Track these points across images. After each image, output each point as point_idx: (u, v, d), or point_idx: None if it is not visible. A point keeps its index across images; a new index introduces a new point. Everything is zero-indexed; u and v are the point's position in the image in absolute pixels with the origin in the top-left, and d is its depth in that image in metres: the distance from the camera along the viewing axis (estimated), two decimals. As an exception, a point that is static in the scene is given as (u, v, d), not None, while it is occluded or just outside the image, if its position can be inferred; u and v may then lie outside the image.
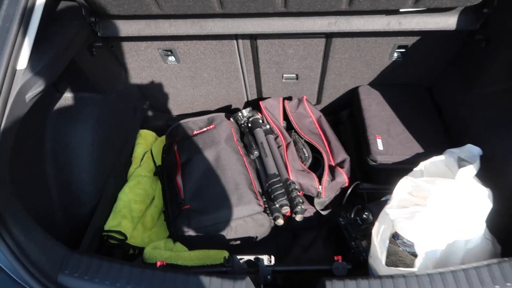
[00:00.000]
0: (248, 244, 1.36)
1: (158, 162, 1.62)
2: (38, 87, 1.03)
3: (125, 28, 1.30)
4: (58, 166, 1.30)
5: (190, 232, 1.28)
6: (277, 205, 1.26)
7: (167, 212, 1.36)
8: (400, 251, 1.20)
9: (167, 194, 1.39)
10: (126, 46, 1.48)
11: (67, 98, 1.35)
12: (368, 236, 1.28)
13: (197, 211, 1.30)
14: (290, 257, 1.33)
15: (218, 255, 1.29)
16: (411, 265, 1.16)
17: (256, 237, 1.36)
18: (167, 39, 1.43)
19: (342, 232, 1.32)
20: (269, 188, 1.29)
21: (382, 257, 1.06)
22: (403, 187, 1.16)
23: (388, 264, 1.15)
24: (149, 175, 1.59)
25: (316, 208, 1.40)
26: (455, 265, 1.13)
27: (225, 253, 1.30)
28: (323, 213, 1.40)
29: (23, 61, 0.99)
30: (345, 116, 1.79)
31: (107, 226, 1.36)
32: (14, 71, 0.98)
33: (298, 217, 1.26)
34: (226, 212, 1.29)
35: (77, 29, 1.19)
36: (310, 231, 1.40)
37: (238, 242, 1.34)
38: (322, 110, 1.82)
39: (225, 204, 1.30)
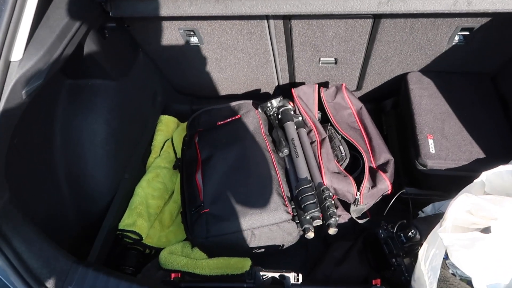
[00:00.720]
0: (274, 251, 1.23)
1: (179, 152, 1.49)
2: (37, 80, 0.90)
3: (140, 7, 1.14)
4: (68, 161, 1.19)
5: (209, 240, 1.15)
6: (308, 217, 1.10)
7: (184, 214, 1.23)
8: (450, 276, 1.02)
9: (186, 194, 1.26)
10: (144, 26, 1.32)
11: (77, 86, 1.21)
12: (412, 255, 1.11)
13: (217, 216, 1.16)
14: (319, 271, 1.18)
15: (239, 264, 1.17)
16: (463, 296, 0.99)
17: (283, 245, 1.22)
18: (189, 18, 1.26)
19: (381, 246, 1.15)
20: (299, 195, 1.13)
21: (431, 289, 0.90)
22: (461, 205, 0.97)
23: (437, 293, 0.98)
24: (169, 167, 1.47)
25: (352, 216, 1.24)
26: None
27: (248, 262, 1.17)
28: (360, 221, 1.23)
29: (18, 51, 0.86)
30: (389, 105, 1.58)
31: (121, 225, 1.26)
32: (8, 63, 0.85)
33: (332, 231, 1.10)
34: (250, 219, 1.14)
35: (84, 10, 1.04)
36: (343, 241, 1.25)
37: (262, 250, 1.21)
38: (362, 98, 1.62)
39: (248, 210, 1.16)
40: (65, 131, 1.19)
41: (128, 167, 1.38)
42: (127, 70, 1.38)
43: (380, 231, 1.16)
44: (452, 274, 1.04)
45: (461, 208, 0.97)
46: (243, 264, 1.17)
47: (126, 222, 1.26)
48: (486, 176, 1.05)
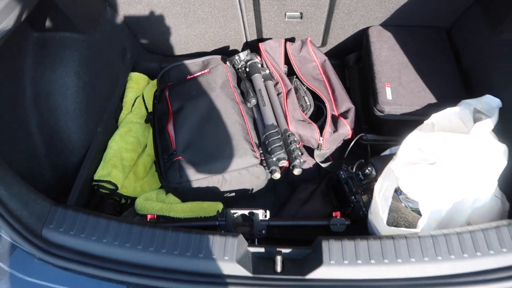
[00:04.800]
0: (244, 196, 1.31)
1: (150, 108, 1.52)
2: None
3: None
4: (41, 114, 1.21)
5: (182, 185, 1.22)
6: (274, 159, 1.18)
7: (158, 163, 1.29)
8: (402, 207, 1.14)
9: (159, 145, 1.31)
10: (110, -22, 1.32)
11: (45, 39, 1.22)
12: (369, 191, 1.21)
13: (189, 162, 1.22)
14: (286, 211, 1.28)
15: (212, 207, 1.24)
16: (413, 223, 1.10)
17: (252, 189, 1.30)
18: (155, -30, 1.28)
19: (342, 186, 1.25)
20: (266, 140, 1.21)
21: (384, 216, 1.00)
22: (412, 143, 1.07)
23: (389, 221, 1.10)
24: (141, 122, 1.51)
25: (316, 160, 1.33)
26: (460, 224, 1.08)
27: (220, 205, 1.25)
28: (323, 165, 1.33)
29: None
30: (352, 60, 1.66)
31: (96, 176, 1.30)
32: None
33: (296, 171, 1.18)
34: (220, 164, 1.21)
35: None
36: (308, 184, 1.34)
37: (233, 194, 1.29)
38: (327, 53, 1.69)
39: (219, 156, 1.22)
40: (35, 84, 1.21)
41: (101, 122, 1.40)
42: (95, 24, 1.38)
43: (341, 172, 1.25)
44: (404, 206, 1.16)
45: (412, 145, 1.07)
46: (216, 207, 1.25)
47: (101, 173, 1.31)
48: (435, 118, 1.16)
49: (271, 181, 1.32)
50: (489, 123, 1.04)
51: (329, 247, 0.89)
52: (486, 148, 1.03)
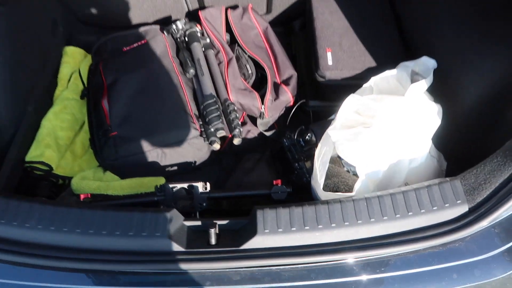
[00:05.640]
0: (187, 169, 1.27)
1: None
2: None
3: None
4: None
5: (119, 161, 1.16)
6: (212, 129, 1.15)
7: (93, 139, 1.23)
8: (343, 172, 1.13)
9: (93, 120, 1.25)
10: None
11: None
12: (312, 157, 1.20)
13: (125, 138, 1.17)
14: (230, 182, 1.25)
15: (153, 183, 1.20)
16: (353, 186, 1.10)
17: (195, 162, 1.26)
18: None
19: (286, 153, 1.24)
20: (204, 110, 1.17)
21: (321, 181, 1.00)
22: (349, 106, 1.06)
23: (329, 186, 1.09)
24: (77, 98, 1.42)
25: (259, 129, 1.30)
26: (398, 185, 1.09)
27: (161, 180, 1.21)
28: (267, 134, 1.30)
29: None
30: (297, 26, 1.62)
31: (28, 157, 1.23)
32: None
33: (236, 141, 1.15)
34: (158, 138, 1.17)
35: None
36: (254, 153, 1.32)
37: (175, 168, 1.25)
38: (273, 21, 1.64)
39: (156, 129, 1.18)
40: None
41: (31, 100, 1.31)
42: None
43: (284, 140, 1.24)
44: (346, 171, 1.16)
45: (349, 109, 1.06)
46: (157, 183, 1.20)
47: (33, 154, 1.23)
48: (374, 80, 1.15)
49: (215, 152, 1.28)
50: (424, 84, 1.04)
51: (264, 216, 0.87)
52: (420, 109, 1.03)
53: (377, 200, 0.89)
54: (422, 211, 0.87)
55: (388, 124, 1.00)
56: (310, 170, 1.19)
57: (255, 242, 0.85)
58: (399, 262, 0.84)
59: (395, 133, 1.01)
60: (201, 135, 1.19)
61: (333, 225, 0.86)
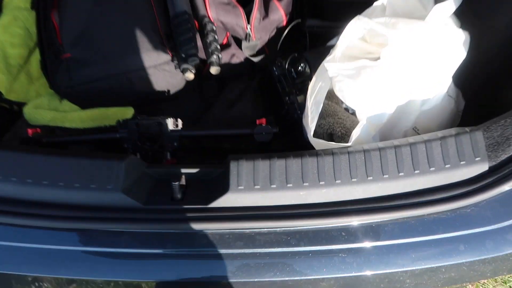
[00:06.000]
0: (161, 98, 1.09)
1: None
2: None
3: None
4: None
5: (75, 89, 0.98)
6: (183, 55, 0.94)
7: (44, 61, 1.02)
8: (341, 111, 0.95)
9: (43, 38, 1.03)
10: None
11: None
12: (305, 91, 1.02)
13: (80, 61, 0.96)
14: (210, 115, 1.08)
15: (119, 114, 1.03)
16: (351, 129, 0.93)
17: (169, 90, 1.07)
18: None
19: (275, 84, 1.05)
20: (175, 30, 0.95)
21: (312, 126, 0.82)
22: (353, 31, 0.84)
23: (323, 128, 0.92)
24: (31, 7, 1.18)
25: (246, 54, 1.09)
26: (405, 129, 0.92)
27: (129, 111, 1.03)
28: (255, 60, 1.09)
29: None
30: None
31: (-30, 80, 1.04)
32: None
33: (214, 70, 0.95)
34: (120, 62, 0.96)
35: None
36: (239, 81, 1.12)
37: (146, 97, 1.06)
38: None
39: (119, 51, 0.97)
40: None
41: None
42: None
43: (274, 68, 1.04)
44: (344, 109, 0.98)
45: (353, 34, 0.85)
46: (124, 114, 1.03)
47: (-23, 76, 1.04)
48: (388, -3, 0.91)
49: (196, 78, 1.09)
50: (451, 4, 0.81)
51: (238, 169, 0.72)
52: (444, 37, 0.82)
53: (378, 154, 0.72)
54: (431, 169, 0.71)
55: (402, 56, 0.80)
56: (303, 105, 1.01)
57: (227, 200, 0.71)
58: (397, 229, 0.71)
59: (409, 67, 0.81)
60: (172, 60, 0.98)
61: (321, 183, 0.71)
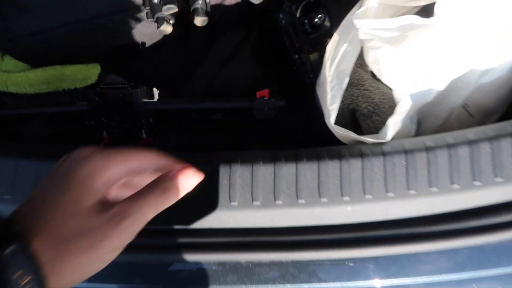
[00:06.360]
0: (133, 53, 0.85)
1: None
2: None
3: None
4: None
5: (20, 43, 0.74)
6: (156, 1, 0.68)
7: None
8: (368, 80, 0.72)
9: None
10: None
11: None
12: (321, 48, 0.78)
13: (20, 6, 0.71)
14: (198, 77, 0.84)
15: (80, 74, 0.79)
16: (380, 105, 0.71)
17: (143, 43, 0.83)
18: None
19: (281, 37, 0.80)
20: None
21: (332, 108, 0.60)
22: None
23: (345, 101, 0.70)
24: None
25: (242, -7, 0.83)
26: (452, 106, 0.70)
27: (94, 70, 0.80)
28: (255, 1, 0.83)
29: None
30: None
31: None
32: None
33: (199, 21, 0.71)
34: (75, 7, 0.71)
35: None
36: (233, 32, 0.87)
37: (114, 51, 0.82)
38: None
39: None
40: None
41: None
42: None
43: (281, 15, 0.78)
44: (371, 78, 0.74)
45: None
46: (87, 74, 0.79)
47: None
48: None
49: (177, 29, 0.84)
50: None
51: (231, 176, 0.52)
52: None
53: (425, 158, 0.52)
54: (497, 179, 0.51)
55: (465, 10, 0.56)
56: (317, 66, 0.78)
57: (215, 220, 0.52)
58: (444, 261, 0.53)
59: (473, 26, 0.57)
60: (144, 4, 0.73)
61: (345, 198, 0.51)
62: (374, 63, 0.56)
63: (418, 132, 0.70)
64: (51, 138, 0.77)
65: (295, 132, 0.74)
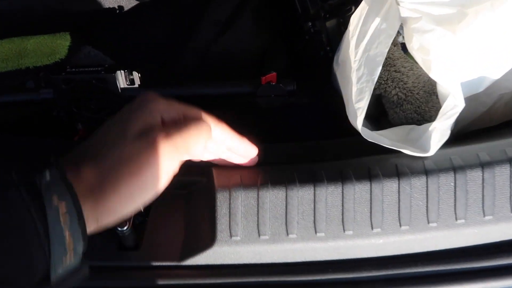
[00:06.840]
0: (109, 21, 0.70)
1: None
2: None
3: None
4: None
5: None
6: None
7: None
8: (400, 58, 0.58)
9: None
10: None
11: None
12: (340, 16, 0.63)
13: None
14: (191, 45, 0.70)
15: (46, 48, 0.66)
16: (414, 91, 0.57)
17: (120, 7, 0.68)
18: None
19: (291, -1, 0.65)
20: None
21: (360, 106, 0.47)
22: None
23: (373, 109, 0.57)
24: None
25: None
26: (503, 91, 0.57)
27: (63, 42, 0.67)
28: (259, -47, 0.67)
29: None
30: None
31: None
32: None
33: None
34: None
35: None
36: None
37: (84, 18, 0.68)
38: None
39: None
40: None
41: None
42: None
43: (291, -28, 0.62)
44: (404, 56, 0.60)
45: None
46: (54, 47, 0.67)
47: None
48: None
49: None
50: None
51: (231, 204, 0.41)
52: None
53: (480, 177, 0.40)
54: None
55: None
56: (334, 38, 0.63)
57: (213, 256, 0.41)
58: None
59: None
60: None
61: (376, 230, 0.40)
62: (420, 51, 0.42)
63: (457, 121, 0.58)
64: (17, 126, 0.65)
65: (305, 122, 0.61)
